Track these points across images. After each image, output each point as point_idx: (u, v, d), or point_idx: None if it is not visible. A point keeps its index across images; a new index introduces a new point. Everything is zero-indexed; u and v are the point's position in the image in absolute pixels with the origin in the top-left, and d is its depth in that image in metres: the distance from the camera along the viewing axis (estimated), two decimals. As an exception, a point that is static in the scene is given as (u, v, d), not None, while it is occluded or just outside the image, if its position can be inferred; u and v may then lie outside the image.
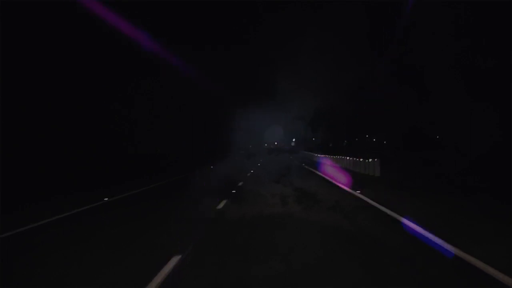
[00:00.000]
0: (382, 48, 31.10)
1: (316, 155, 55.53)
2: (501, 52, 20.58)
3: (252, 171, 29.20)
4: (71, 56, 24.22)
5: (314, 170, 27.98)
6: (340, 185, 17.10)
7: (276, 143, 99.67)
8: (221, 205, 11.71)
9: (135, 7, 25.16)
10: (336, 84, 38.68)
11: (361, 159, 24.55)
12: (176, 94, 39.76)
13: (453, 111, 26.05)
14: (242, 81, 38.49)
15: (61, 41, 23.32)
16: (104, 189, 16.72)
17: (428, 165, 24.81)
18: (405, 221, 8.59)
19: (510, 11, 18.78)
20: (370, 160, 22.44)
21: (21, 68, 20.76)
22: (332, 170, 27.12)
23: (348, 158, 29.50)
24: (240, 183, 18.71)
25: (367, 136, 59.53)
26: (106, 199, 13.48)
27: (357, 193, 14.06)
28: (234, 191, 15.45)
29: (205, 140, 51.17)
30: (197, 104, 47.22)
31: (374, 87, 33.97)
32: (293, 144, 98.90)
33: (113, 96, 29.27)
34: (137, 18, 25.77)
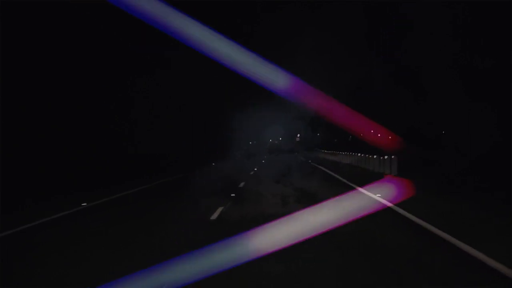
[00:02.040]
0: (379, 48, 31.17)
1: (322, 151, 54.73)
2: (499, 52, 20.59)
3: (255, 168, 28.62)
4: (71, 57, 24.31)
5: (324, 169, 26.37)
6: (357, 187, 15.17)
7: (280, 138, 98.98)
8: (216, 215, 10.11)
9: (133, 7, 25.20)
10: (335, 84, 38.74)
11: (375, 156, 23.03)
12: (176, 94, 39.81)
13: (451, 111, 26.06)
14: (241, 80, 38.52)
15: (61, 41, 23.41)
16: (103, 189, 16.74)
17: (428, 164, 24.19)
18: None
19: (508, 11, 18.81)
20: (386, 157, 20.80)
21: (21, 69, 20.85)
22: (343, 169, 25.65)
23: (359, 154, 28.22)
24: (242, 184, 17.76)
25: (372, 131, 59.07)
26: (85, 204, 12.53)
27: (377, 196, 12.31)
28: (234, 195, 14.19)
29: (205, 140, 51.22)
30: (197, 103, 47.27)
31: (372, 86, 34.04)
32: (298, 139, 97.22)
33: (113, 96, 29.36)
34: (135, 18, 25.84)
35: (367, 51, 32.68)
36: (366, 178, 18.06)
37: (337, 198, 12.54)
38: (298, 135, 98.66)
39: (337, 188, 14.96)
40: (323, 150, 54.82)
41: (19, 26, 20.67)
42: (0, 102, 17.87)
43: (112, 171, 23.38)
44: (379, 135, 57.40)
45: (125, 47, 30.20)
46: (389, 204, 10.74)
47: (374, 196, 12.40)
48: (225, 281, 5.44)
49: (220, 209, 10.69)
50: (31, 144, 21.27)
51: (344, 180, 18.08)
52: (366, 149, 32.86)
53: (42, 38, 22.13)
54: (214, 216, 9.90)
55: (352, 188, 14.98)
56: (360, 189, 14.36)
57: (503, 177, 14.89)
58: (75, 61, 24.69)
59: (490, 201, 11.29)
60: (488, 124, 22.54)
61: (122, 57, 29.98)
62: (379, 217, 9.41)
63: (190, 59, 37.55)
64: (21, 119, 20.78)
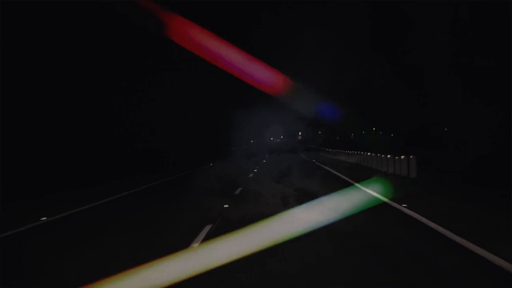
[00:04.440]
0: (382, 47, 30.99)
1: (327, 149, 53.70)
2: (500, 52, 20.40)
3: (255, 170, 27.32)
4: (82, 59, 24.50)
5: (331, 170, 24.28)
6: (373, 193, 13.26)
7: (282, 137, 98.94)
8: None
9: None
10: (339, 84, 38.55)
11: (389, 156, 20.91)
12: (179, 94, 39.77)
13: (453, 111, 25.87)
14: (242, 81, 38.40)
15: (70, 43, 23.58)
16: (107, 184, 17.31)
17: (429, 163, 23.42)
18: None
19: (508, 11, 18.63)
20: (403, 157, 18.86)
21: (41, 73, 21.19)
22: (351, 170, 23.77)
23: (368, 154, 26.22)
24: (238, 190, 15.80)
25: (373, 129, 58.82)
26: (44, 218, 10.52)
27: (403, 207, 10.31)
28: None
29: (206, 140, 51.22)
30: (199, 104, 47.24)
31: (376, 86, 33.87)
32: (299, 138, 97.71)
33: (117, 97, 29.46)
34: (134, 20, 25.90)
35: (369, 50, 32.51)
36: (384, 183, 16.12)
37: (355, 209, 10.51)
38: (300, 133, 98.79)
39: (353, 196, 13.13)
40: (327, 149, 53.88)
41: (26, 26, 20.80)
42: (19, 103, 18.35)
43: (115, 170, 23.64)
44: (381, 132, 57.20)
45: (129, 50, 30.35)
46: (430, 224, 8.33)
47: (399, 207, 10.40)
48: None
49: (207, 229, 8.59)
50: (46, 145, 21.60)
51: (358, 185, 15.66)
52: (367, 148, 32.32)
53: (51, 39, 22.31)
54: (197, 240, 7.73)
55: (370, 196, 12.75)
56: (381, 198, 12.11)
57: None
58: (87, 64, 24.93)
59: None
60: (491, 124, 22.32)
61: (127, 59, 30.11)
62: (417, 240, 7.33)
63: (192, 60, 37.55)
64: (38, 122, 21.11)
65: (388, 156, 21.14)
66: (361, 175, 19.70)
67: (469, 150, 23.55)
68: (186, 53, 33.13)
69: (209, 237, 7.94)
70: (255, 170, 27.11)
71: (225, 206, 11.69)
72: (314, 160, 37.73)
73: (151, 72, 34.03)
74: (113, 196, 14.97)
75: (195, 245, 7.36)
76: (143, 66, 32.76)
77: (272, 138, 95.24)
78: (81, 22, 24.22)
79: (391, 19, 28.15)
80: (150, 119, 35.17)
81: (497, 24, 20.55)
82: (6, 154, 17.02)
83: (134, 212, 11.71)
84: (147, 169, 27.47)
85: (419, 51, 25.73)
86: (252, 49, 30.90)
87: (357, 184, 15.95)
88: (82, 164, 23.24)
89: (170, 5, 25.43)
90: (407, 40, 26.48)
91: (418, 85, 27.88)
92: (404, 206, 10.43)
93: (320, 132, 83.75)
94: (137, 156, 30.69)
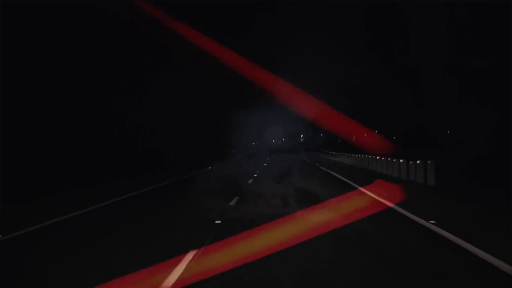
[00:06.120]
0: (379, 47, 31.05)
1: (330, 152, 52.77)
2: (497, 52, 20.47)
3: (255, 175, 25.50)
4: (82, 59, 24.58)
5: (338, 175, 22.71)
6: (390, 204, 11.53)
7: (283, 139, 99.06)
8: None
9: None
10: (335, 83, 38.63)
11: (401, 160, 19.53)
12: (179, 94, 39.80)
13: (450, 110, 25.95)
14: (244, 81, 38.42)
15: (71, 43, 23.66)
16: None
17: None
18: None
19: (507, 10, 18.67)
20: (418, 162, 17.40)
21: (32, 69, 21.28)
22: (360, 175, 22.15)
23: (377, 157, 24.83)
24: (234, 200, 13.82)
25: (376, 131, 58.69)
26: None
27: (431, 224, 8.70)
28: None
29: (206, 140, 51.24)
30: (199, 104, 47.27)
31: (372, 86, 33.97)
32: (301, 140, 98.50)
33: (119, 98, 29.53)
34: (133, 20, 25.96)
35: (365, 50, 32.59)
36: (400, 193, 13.91)
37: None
38: (302, 135, 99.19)
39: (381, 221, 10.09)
40: (330, 152, 52.41)
41: (26, 26, 20.90)
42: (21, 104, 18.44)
43: (115, 171, 23.68)
44: (382, 135, 57.27)
45: (130, 50, 30.41)
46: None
47: (427, 226, 8.72)
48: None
49: (188, 258, 6.70)
50: (48, 145, 21.68)
51: (381, 199, 12.78)
52: (368, 150, 32.09)
53: (51, 39, 22.40)
54: (172, 277, 5.78)
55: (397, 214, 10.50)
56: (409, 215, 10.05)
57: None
58: (87, 64, 25.00)
59: None
60: (489, 123, 22.39)
61: (127, 59, 30.16)
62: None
63: (192, 60, 37.57)
64: (28, 123, 21.16)
65: (401, 160, 19.65)
66: (379, 184, 17.38)
67: (465, 149, 23.61)
68: (186, 53, 33.20)
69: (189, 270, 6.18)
70: (255, 175, 25.18)
71: (216, 222, 9.93)
72: (317, 164, 36.86)
73: (151, 72, 34.05)
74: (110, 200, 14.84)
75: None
76: (143, 66, 32.78)
77: (273, 140, 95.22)
78: (81, 22, 24.31)
79: (387, 19, 28.20)
80: (150, 119, 35.14)
81: (493, 24, 20.64)
82: (6, 154, 17.07)
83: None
84: (147, 169, 27.48)
85: (415, 50, 25.81)
86: (248, 48, 30.96)
87: (382, 200, 12.72)
88: (82, 164, 23.28)
89: (167, 5, 25.55)
90: (403, 39, 26.55)
91: (414, 85, 27.95)
92: (431, 222, 8.90)
93: (322, 135, 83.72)
94: (137, 156, 30.66)
